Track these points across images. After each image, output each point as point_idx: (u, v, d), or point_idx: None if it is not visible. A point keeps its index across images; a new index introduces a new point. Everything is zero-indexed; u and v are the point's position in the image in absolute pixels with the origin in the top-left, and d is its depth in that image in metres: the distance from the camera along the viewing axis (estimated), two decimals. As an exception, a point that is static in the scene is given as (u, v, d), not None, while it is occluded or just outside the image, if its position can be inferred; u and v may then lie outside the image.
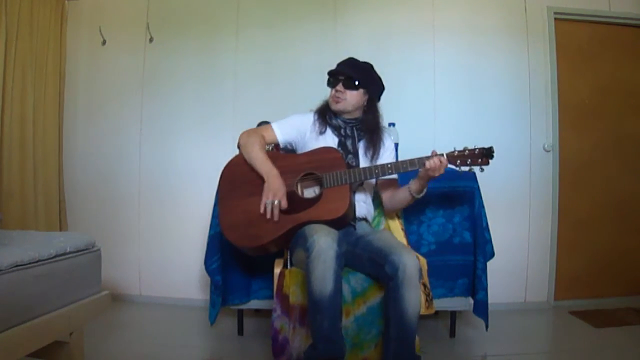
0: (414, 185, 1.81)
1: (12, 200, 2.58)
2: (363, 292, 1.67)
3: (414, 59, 2.85)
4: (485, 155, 1.73)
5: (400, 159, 1.84)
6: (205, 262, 2.13)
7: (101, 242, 1.74)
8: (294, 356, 1.62)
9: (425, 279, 1.76)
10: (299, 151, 1.93)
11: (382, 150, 1.92)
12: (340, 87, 1.84)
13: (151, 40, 2.96)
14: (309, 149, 1.86)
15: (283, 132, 1.92)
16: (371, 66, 1.92)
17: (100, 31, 2.96)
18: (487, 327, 2.15)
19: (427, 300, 1.70)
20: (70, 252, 1.52)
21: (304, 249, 1.53)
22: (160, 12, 2.97)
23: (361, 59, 1.92)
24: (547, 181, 2.84)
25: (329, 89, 1.90)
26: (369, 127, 1.90)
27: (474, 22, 2.84)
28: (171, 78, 2.95)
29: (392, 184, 1.97)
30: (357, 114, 1.91)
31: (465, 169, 1.74)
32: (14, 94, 2.59)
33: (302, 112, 1.97)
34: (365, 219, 1.91)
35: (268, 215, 1.71)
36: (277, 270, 1.79)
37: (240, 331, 2.33)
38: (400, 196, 1.89)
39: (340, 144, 1.88)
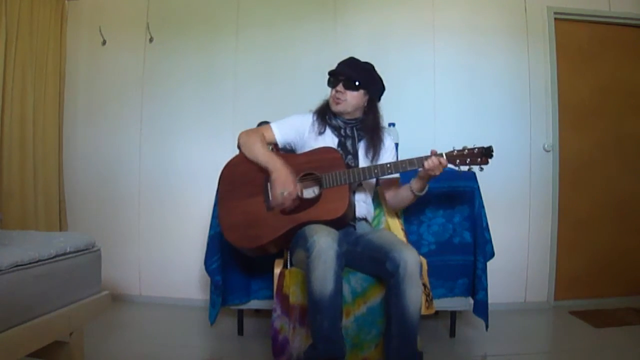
0: (415, 184, 1.82)
1: (12, 200, 2.58)
2: (363, 292, 1.67)
3: (414, 59, 2.85)
4: (484, 154, 1.73)
5: (400, 159, 1.84)
6: (205, 262, 2.13)
7: (101, 242, 1.74)
8: (294, 356, 1.62)
9: (425, 279, 1.76)
10: (298, 151, 1.93)
11: (382, 151, 1.92)
12: (340, 87, 1.84)
13: (151, 40, 2.96)
14: (308, 149, 1.86)
15: (282, 132, 1.92)
16: (372, 66, 1.92)
17: (100, 31, 2.96)
18: (487, 327, 2.15)
19: (427, 300, 1.71)
20: (70, 252, 1.52)
21: (304, 249, 1.53)
22: (160, 12, 2.97)
23: (361, 59, 1.92)
24: (547, 181, 2.84)
25: (329, 89, 1.90)
26: (369, 127, 1.90)
27: (474, 22, 2.84)
28: (171, 78, 2.95)
29: (394, 183, 1.97)
30: (357, 115, 1.91)
31: (464, 168, 1.74)
32: (14, 94, 2.59)
33: (302, 113, 1.97)
34: (365, 219, 1.91)
35: (284, 206, 1.71)
36: (277, 270, 1.79)
37: (240, 331, 2.33)
38: (402, 195, 1.90)
39: (340, 144, 1.88)
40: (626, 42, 2.93)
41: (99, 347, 2.05)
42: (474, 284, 2.14)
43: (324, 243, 1.48)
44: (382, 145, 1.92)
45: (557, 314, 2.71)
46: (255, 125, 2.20)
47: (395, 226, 2.04)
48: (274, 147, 2.00)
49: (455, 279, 2.19)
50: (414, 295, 1.50)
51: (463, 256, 2.18)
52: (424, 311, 1.63)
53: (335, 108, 1.87)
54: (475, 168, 1.75)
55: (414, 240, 2.16)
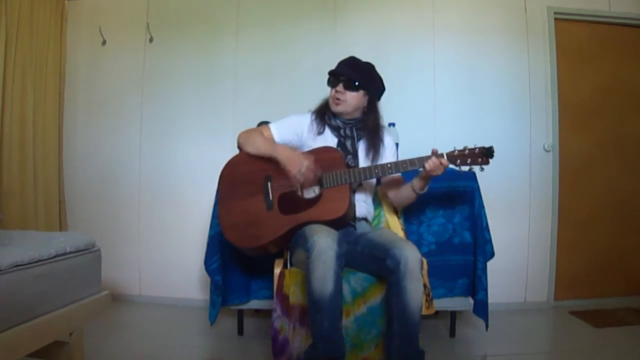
0: (416, 183, 1.82)
1: (12, 200, 2.58)
2: (363, 292, 1.67)
3: (414, 58, 2.85)
4: (485, 154, 1.73)
5: (400, 158, 1.84)
6: (205, 262, 2.13)
7: (101, 242, 1.73)
8: (294, 356, 1.62)
9: (426, 279, 1.76)
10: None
11: (382, 150, 1.92)
12: (340, 87, 1.84)
13: (151, 40, 2.96)
14: (307, 149, 1.86)
15: (280, 132, 1.92)
16: (372, 66, 1.91)
17: (100, 31, 2.96)
18: (487, 327, 2.15)
19: (427, 300, 1.71)
20: (70, 252, 1.52)
21: (304, 249, 1.53)
22: (160, 12, 2.97)
23: (361, 58, 1.91)
24: (547, 181, 2.84)
25: (328, 89, 1.90)
26: (369, 127, 1.90)
27: (474, 22, 2.84)
28: (171, 78, 2.95)
29: (396, 181, 1.97)
30: (357, 115, 1.91)
31: (465, 168, 1.74)
32: (14, 94, 2.59)
33: (300, 113, 1.97)
34: (365, 219, 1.91)
35: (309, 181, 1.72)
36: (277, 271, 1.78)
37: (240, 331, 2.33)
38: (404, 193, 1.90)
39: (339, 144, 1.88)
40: (626, 42, 2.93)
41: (99, 347, 2.05)
42: (474, 284, 2.14)
43: (324, 243, 1.48)
44: (382, 144, 1.92)
45: (557, 314, 2.71)
46: (255, 125, 2.21)
47: (396, 226, 2.04)
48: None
49: (455, 279, 2.19)
50: (415, 292, 1.50)
51: (463, 256, 2.18)
52: (424, 311, 1.63)
53: (335, 109, 1.87)
54: (476, 168, 1.74)
55: (414, 240, 2.16)
